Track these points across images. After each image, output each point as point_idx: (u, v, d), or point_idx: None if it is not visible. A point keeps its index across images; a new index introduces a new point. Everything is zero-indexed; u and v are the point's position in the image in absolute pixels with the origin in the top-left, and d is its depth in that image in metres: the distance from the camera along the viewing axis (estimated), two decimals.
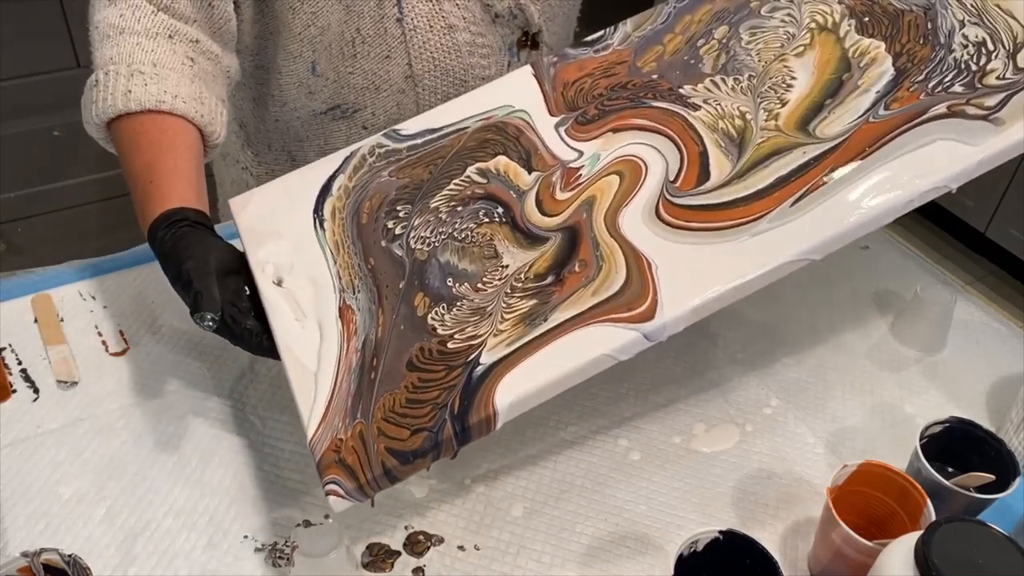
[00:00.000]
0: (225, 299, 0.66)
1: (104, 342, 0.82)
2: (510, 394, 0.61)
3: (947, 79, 0.72)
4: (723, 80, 0.78)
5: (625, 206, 0.70)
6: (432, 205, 0.74)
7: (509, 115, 0.79)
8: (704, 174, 0.71)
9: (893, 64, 0.75)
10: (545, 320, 0.64)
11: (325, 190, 0.78)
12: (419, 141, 0.80)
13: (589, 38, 0.85)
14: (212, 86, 0.82)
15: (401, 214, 0.74)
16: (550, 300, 0.65)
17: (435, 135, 0.80)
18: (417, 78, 0.92)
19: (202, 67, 0.81)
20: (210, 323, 0.64)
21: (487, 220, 0.72)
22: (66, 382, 0.77)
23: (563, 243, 0.69)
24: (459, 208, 0.73)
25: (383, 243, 0.73)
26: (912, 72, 0.74)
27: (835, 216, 0.66)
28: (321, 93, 0.94)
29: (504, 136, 0.78)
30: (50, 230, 1.90)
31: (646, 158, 0.73)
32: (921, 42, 0.76)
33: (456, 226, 0.72)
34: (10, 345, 0.81)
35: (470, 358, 0.63)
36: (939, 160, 0.67)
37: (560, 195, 0.72)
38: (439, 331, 0.65)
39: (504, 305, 0.66)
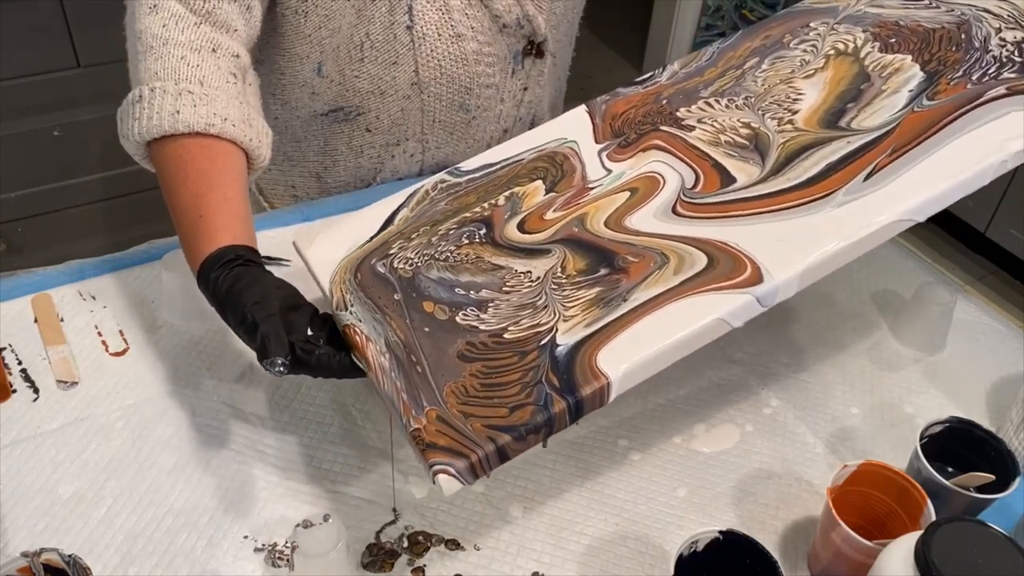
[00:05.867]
0: (293, 336, 0.63)
1: (104, 342, 0.82)
2: (620, 364, 0.60)
3: (991, 71, 0.73)
4: (716, 101, 0.80)
5: (631, 214, 0.71)
6: (439, 228, 0.75)
7: (561, 145, 0.81)
8: (727, 179, 0.72)
9: (921, 69, 0.76)
10: (625, 300, 0.64)
11: (388, 222, 0.78)
12: (478, 175, 0.81)
13: (640, 78, 0.87)
14: (255, 103, 0.80)
15: (412, 235, 0.75)
16: (619, 286, 0.66)
17: (493, 168, 0.81)
18: (423, 85, 0.92)
19: (243, 83, 0.79)
20: (280, 368, 0.61)
21: (467, 242, 0.73)
22: (66, 382, 0.77)
23: (578, 249, 0.69)
24: (451, 232, 0.74)
25: (372, 260, 0.73)
26: (946, 72, 0.75)
27: (931, 179, 0.66)
28: (325, 95, 0.94)
29: (552, 163, 0.80)
30: (50, 230, 1.90)
31: (664, 174, 0.75)
32: (953, 49, 0.77)
33: (439, 248, 0.72)
34: (10, 345, 0.81)
35: (542, 342, 0.63)
36: (1022, 125, 0.68)
37: (550, 215, 0.74)
38: (482, 328, 0.65)
39: (560, 296, 0.66)
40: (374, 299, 0.69)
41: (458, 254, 0.72)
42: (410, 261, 0.72)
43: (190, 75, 0.74)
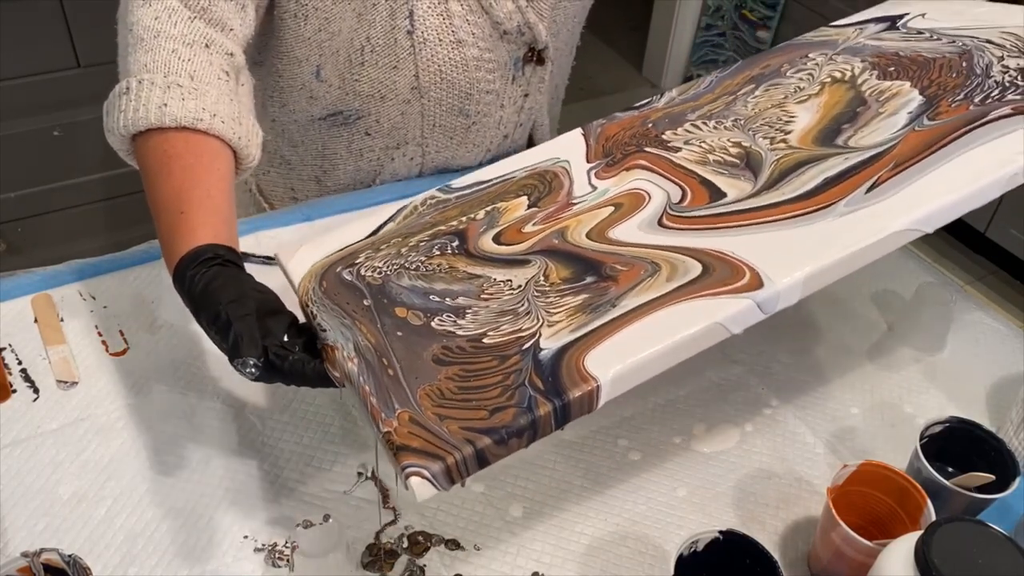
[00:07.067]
0: (268, 341, 0.59)
1: (104, 342, 0.82)
2: (610, 367, 0.58)
3: (994, 93, 0.72)
4: (704, 123, 0.79)
5: (614, 227, 0.70)
6: (410, 240, 0.72)
7: (553, 164, 0.80)
8: (716, 194, 0.71)
9: (920, 94, 0.75)
10: (614, 307, 0.62)
11: (371, 236, 0.76)
12: (468, 192, 0.79)
13: (638, 104, 0.86)
14: (248, 103, 0.78)
15: (381, 246, 0.72)
16: (607, 293, 0.63)
17: (484, 185, 0.79)
18: (423, 89, 0.92)
19: (236, 82, 0.77)
20: (252, 370, 0.57)
21: (439, 253, 0.70)
22: (66, 382, 0.77)
23: (560, 259, 0.68)
24: (422, 244, 0.72)
25: (338, 268, 0.70)
26: (946, 96, 0.74)
27: (940, 190, 0.65)
28: (323, 99, 0.94)
29: (541, 180, 0.78)
30: (50, 230, 1.90)
31: (649, 190, 0.73)
32: (954, 75, 0.76)
33: (409, 258, 0.70)
34: (10, 345, 0.81)
35: (524, 347, 0.60)
36: None
37: (528, 228, 0.72)
38: (459, 333, 0.62)
39: (543, 303, 0.64)
40: (341, 305, 0.66)
41: (429, 264, 0.69)
42: (378, 270, 0.69)
43: (180, 68, 0.71)
